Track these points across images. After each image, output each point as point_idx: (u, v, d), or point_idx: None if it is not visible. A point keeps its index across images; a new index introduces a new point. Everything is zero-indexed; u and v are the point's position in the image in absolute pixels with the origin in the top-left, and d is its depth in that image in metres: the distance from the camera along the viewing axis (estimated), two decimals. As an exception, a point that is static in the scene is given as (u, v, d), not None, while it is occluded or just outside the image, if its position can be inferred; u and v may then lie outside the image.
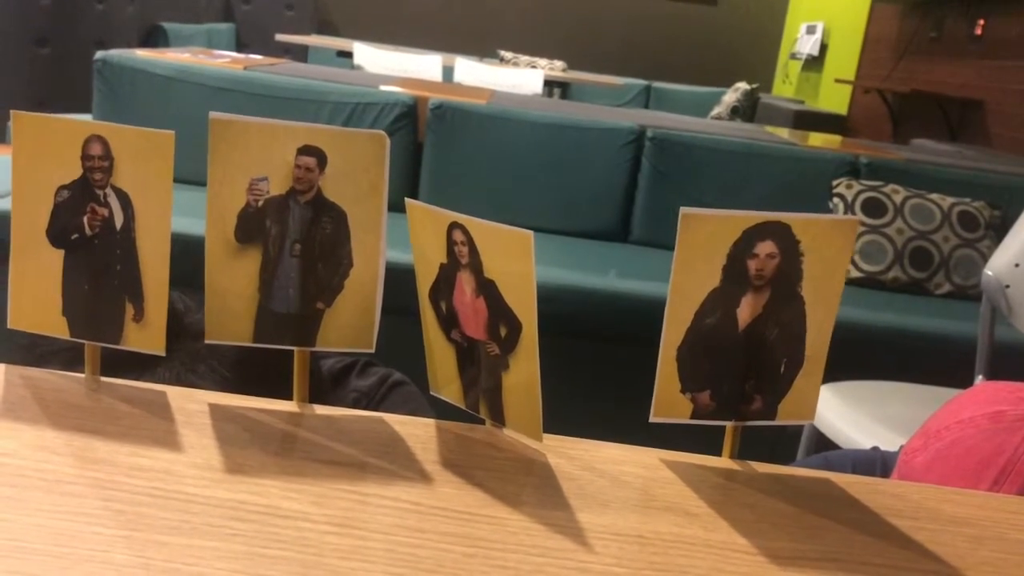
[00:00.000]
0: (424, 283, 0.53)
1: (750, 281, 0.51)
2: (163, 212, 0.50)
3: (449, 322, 0.53)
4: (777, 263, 0.50)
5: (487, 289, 0.50)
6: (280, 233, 0.51)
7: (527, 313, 0.49)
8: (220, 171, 0.50)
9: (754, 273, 0.50)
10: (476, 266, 0.50)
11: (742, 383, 0.52)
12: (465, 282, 0.51)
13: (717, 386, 0.53)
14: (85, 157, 0.50)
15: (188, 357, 0.64)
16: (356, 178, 0.52)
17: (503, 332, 0.50)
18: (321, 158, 0.51)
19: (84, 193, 0.50)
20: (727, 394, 0.53)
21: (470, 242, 0.49)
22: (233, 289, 0.52)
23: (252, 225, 0.51)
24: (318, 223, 0.51)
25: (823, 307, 0.52)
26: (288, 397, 0.54)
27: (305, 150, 0.50)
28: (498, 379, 0.51)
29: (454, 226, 0.50)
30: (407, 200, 0.53)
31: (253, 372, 0.64)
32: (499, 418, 0.52)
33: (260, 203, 0.51)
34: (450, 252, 0.51)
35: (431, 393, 0.57)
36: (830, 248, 0.51)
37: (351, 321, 0.53)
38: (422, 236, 0.53)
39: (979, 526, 0.51)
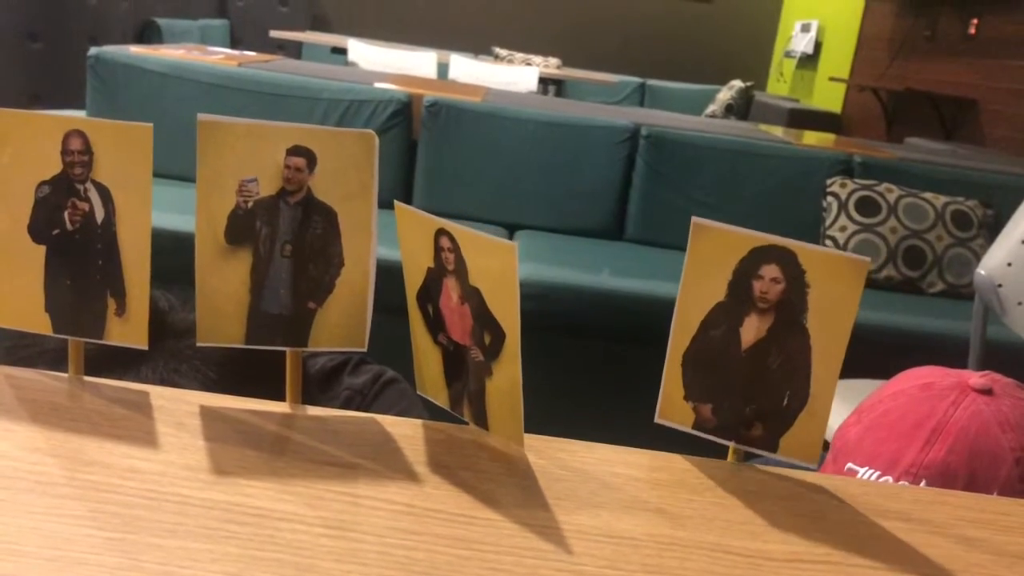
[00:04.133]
0: (412, 285, 0.53)
1: (754, 302, 0.51)
2: (143, 205, 0.50)
3: (436, 326, 0.53)
4: (782, 289, 0.50)
5: (472, 296, 0.50)
6: (270, 234, 0.51)
7: (511, 322, 0.48)
8: (209, 173, 0.50)
9: (758, 295, 0.50)
10: (462, 273, 0.50)
11: (743, 405, 0.52)
12: (451, 288, 0.51)
13: (718, 402, 0.53)
14: (65, 152, 0.50)
15: (171, 357, 0.64)
16: (346, 178, 0.51)
17: (487, 339, 0.50)
18: (311, 158, 0.51)
19: (65, 188, 0.50)
20: (728, 412, 0.53)
21: (456, 249, 0.49)
22: (224, 291, 0.52)
23: (242, 226, 0.51)
24: (308, 223, 0.51)
25: (830, 347, 0.51)
26: (273, 397, 0.54)
27: (295, 150, 0.50)
28: (482, 385, 0.51)
29: (441, 232, 0.50)
30: (396, 203, 0.53)
31: (237, 372, 0.64)
32: (482, 422, 0.52)
33: (250, 204, 0.51)
34: (437, 257, 0.51)
35: (418, 393, 0.57)
36: (838, 285, 0.50)
37: (343, 320, 0.53)
38: (409, 239, 0.53)
39: (969, 528, 0.51)
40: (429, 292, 0.53)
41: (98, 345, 0.53)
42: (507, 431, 0.51)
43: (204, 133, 0.49)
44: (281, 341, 0.53)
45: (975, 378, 0.74)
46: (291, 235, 0.52)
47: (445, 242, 0.50)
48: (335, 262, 0.52)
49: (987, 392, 0.73)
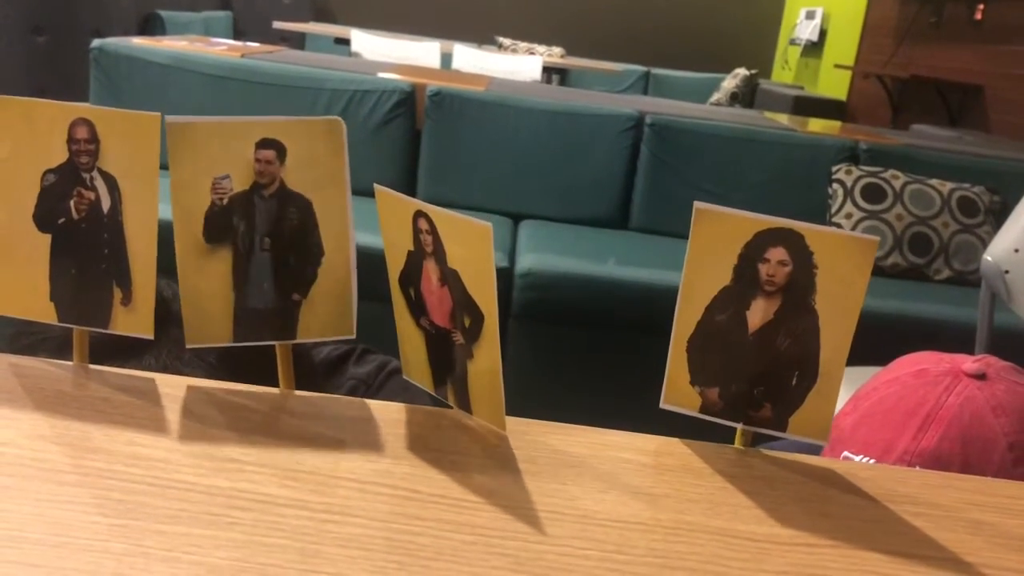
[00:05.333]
0: (394, 269, 0.53)
1: (760, 286, 0.50)
2: (150, 195, 0.50)
3: (418, 309, 0.53)
4: (789, 271, 0.50)
5: (451, 278, 0.50)
6: (248, 229, 0.51)
7: (488, 304, 0.48)
8: (182, 174, 0.50)
9: (765, 278, 0.50)
10: (440, 255, 0.50)
11: (751, 387, 0.52)
12: (431, 270, 0.51)
13: (725, 385, 0.52)
14: (71, 140, 0.49)
15: (175, 345, 0.64)
16: (317, 166, 0.51)
17: (467, 322, 0.50)
18: (280, 150, 0.50)
19: (71, 177, 0.50)
20: (735, 395, 0.52)
21: (434, 231, 0.49)
22: (208, 291, 0.52)
23: (219, 224, 0.51)
24: (284, 215, 0.51)
25: (839, 326, 0.50)
26: (275, 384, 0.54)
27: (263, 143, 0.50)
28: (464, 368, 0.51)
29: (419, 214, 0.50)
30: (376, 186, 0.52)
31: (240, 359, 0.64)
32: (466, 406, 0.52)
33: (225, 201, 0.51)
34: (416, 240, 0.51)
35: (403, 377, 0.57)
36: (847, 265, 0.49)
37: (329, 309, 0.53)
38: (390, 222, 0.52)
39: (977, 511, 0.51)
40: (410, 275, 0.53)
41: (101, 333, 0.53)
42: (489, 414, 0.51)
43: (173, 135, 0.49)
44: (269, 336, 0.53)
45: (969, 363, 0.74)
46: (268, 229, 0.51)
47: (423, 224, 0.50)
48: (315, 252, 0.52)
49: (980, 377, 0.72)
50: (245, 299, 0.52)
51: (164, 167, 0.50)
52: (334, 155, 0.51)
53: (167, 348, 0.64)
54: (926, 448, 0.70)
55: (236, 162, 0.50)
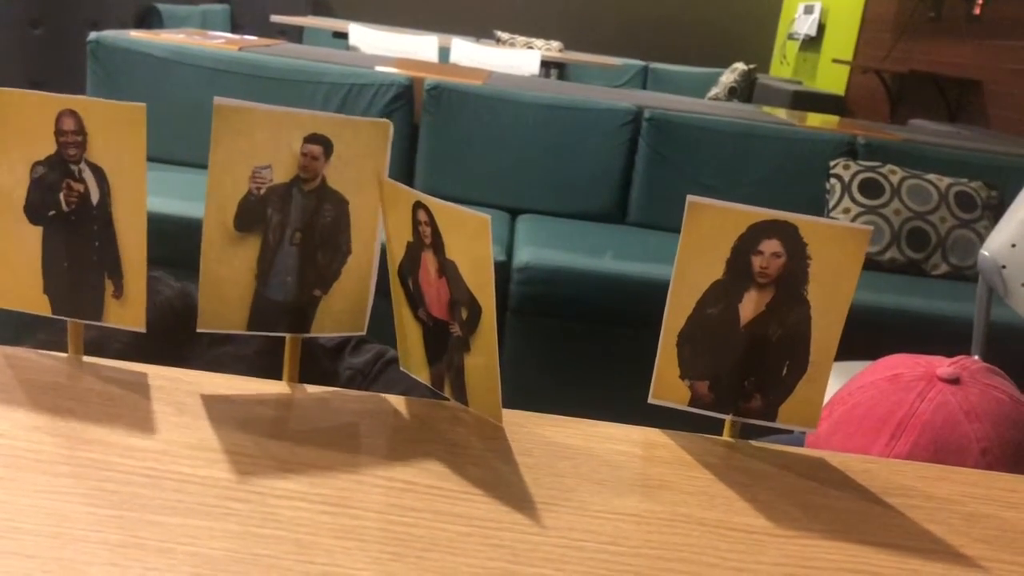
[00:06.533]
0: (393, 260, 0.53)
1: (754, 278, 0.50)
2: (138, 186, 0.50)
3: (415, 301, 0.53)
4: (782, 263, 0.50)
5: (448, 270, 0.50)
6: (281, 222, 0.51)
7: (486, 296, 0.48)
8: (222, 158, 0.49)
9: (758, 270, 0.50)
10: (438, 247, 0.50)
11: (741, 379, 0.52)
12: (429, 262, 0.51)
13: (716, 378, 0.52)
14: (59, 132, 0.49)
15: (213, 358, 0.64)
16: (360, 166, 0.51)
17: (464, 314, 0.50)
18: (327, 146, 0.50)
19: (59, 169, 0.50)
20: (726, 387, 0.52)
21: (432, 222, 0.49)
22: (229, 277, 0.51)
23: (252, 214, 0.51)
24: (320, 212, 0.51)
25: (830, 314, 0.51)
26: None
27: (312, 139, 0.50)
28: (461, 359, 0.51)
29: (417, 205, 0.50)
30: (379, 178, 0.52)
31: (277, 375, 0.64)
32: (462, 398, 0.52)
33: (262, 191, 0.50)
34: (415, 231, 0.51)
35: (401, 369, 0.57)
36: (840, 255, 0.50)
37: (346, 306, 0.53)
38: (391, 213, 0.52)
39: (972, 504, 0.51)
40: (408, 266, 0.53)
41: (141, 339, 0.52)
42: (485, 406, 0.52)
43: (220, 117, 0.49)
44: (283, 328, 0.53)
45: (943, 367, 0.73)
46: (301, 223, 0.51)
47: (422, 215, 0.50)
48: (343, 250, 0.52)
49: (954, 381, 0.72)
50: (266, 290, 0.52)
51: (151, 159, 0.49)
52: (377, 157, 0.51)
53: (206, 361, 0.63)
54: (899, 455, 0.70)
55: (280, 153, 0.50)
